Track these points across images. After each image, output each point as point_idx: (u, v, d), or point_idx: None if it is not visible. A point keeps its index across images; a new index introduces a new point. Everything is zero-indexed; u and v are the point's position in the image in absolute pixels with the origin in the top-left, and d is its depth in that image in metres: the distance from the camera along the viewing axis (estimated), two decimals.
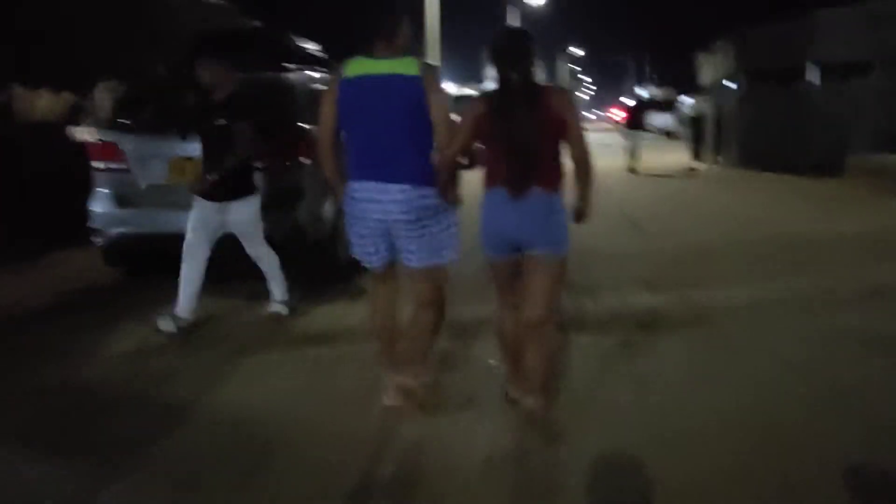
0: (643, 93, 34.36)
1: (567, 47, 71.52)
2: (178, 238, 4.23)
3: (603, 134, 29.21)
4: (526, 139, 2.54)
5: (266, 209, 4.41)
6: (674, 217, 9.05)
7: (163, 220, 4.91)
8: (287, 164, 4.96)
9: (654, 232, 7.93)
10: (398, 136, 2.71)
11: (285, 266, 4.55)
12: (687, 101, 38.09)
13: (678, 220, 8.70)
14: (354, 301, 4.79)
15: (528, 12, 32.75)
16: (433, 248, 2.82)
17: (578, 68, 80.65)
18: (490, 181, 2.67)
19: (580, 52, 71.39)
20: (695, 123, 18.51)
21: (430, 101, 2.67)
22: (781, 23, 14.49)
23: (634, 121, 15.82)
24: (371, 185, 2.73)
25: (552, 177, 2.64)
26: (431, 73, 2.73)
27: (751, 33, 15.30)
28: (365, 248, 2.89)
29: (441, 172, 2.73)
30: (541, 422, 2.81)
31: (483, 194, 2.72)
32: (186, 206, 4.27)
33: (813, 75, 13.89)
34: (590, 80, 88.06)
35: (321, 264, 5.23)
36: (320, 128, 2.89)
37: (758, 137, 14.65)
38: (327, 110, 2.82)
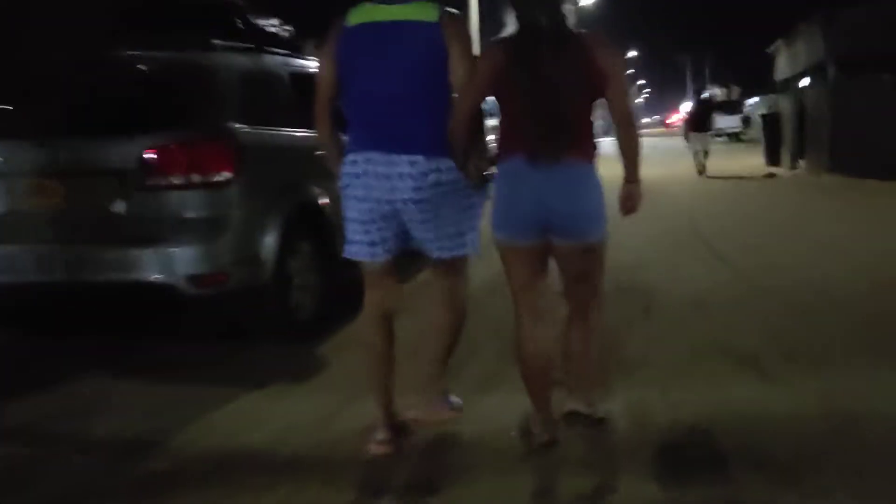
0: (706, 94, 31.74)
1: (625, 50, 69.35)
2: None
3: (661, 139, 27.02)
4: (556, 93, 2.15)
5: (161, 244, 3.31)
6: (764, 239, 6.94)
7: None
8: (200, 179, 3.38)
9: (742, 261, 5.84)
10: (409, 97, 2.32)
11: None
12: (750, 101, 35.62)
13: (772, 245, 6.58)
14: (330, 391, 3.10)
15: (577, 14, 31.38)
16: (452, 235, 2.42)
17: (631, 70, 78.13)
18: (508, 148, 2.26)
19: (633, 53, 68.94)
20: (770, 123, 16.25)
21: (451, 54, 2.28)
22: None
23: (700, 123, 14.09)
24: (375, 155, 2.31)
25: (586, 143, 2.25)
26: (454, 20, 2.34)
27: (843, 13, 12.89)
28: (364, 238, 2.41)
29: (454, 137, 2.30)
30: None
31: (499, 164, 2.28)
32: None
33: None
34: (644, 82, 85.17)
35: (260, 325, 3.72)
36: (317, 86, 2.50)
37: (853, 138, 12.27)
38: (325, 66, 2.46)
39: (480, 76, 2.24)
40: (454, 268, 2.50)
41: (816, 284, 4.80)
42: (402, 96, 2.32)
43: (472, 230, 2.47)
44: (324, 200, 3.93)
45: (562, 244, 2.25)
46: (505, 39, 2.25)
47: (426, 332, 2.59)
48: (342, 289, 3.58)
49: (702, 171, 14.26)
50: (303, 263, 3.82)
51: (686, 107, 43.64)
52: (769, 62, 19.94)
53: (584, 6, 33.91)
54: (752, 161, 15.68)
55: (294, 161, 3.89)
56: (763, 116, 16.46)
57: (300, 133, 3.84)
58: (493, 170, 2.33)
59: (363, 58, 2.33)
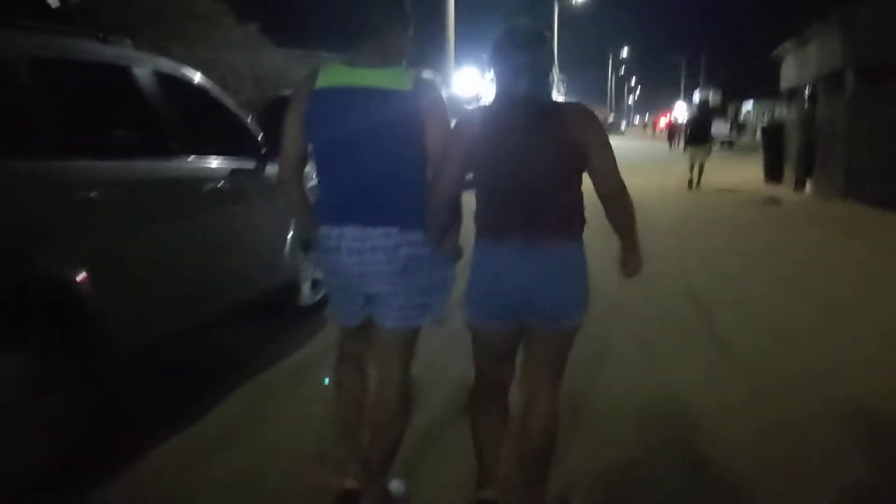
0: (701, 98, 29.93)
1: (617, 50, 67.47)
2: None
3: (648, 142, 25.20)
4: (534, 169, 2.02)
5: None
6: (781, 302, 4.97)
7: None
8: None
9: (754, 351, 3.90)
10: (382, 167, 2.20)
11: None
12: (746, 106, 33.97)
13: (797, 316, 4.61)
14: None
15: (567, 8, 30.08)
16: (416, 306, 2.29)
17: (629, 72, 76.29)
18: (485, 226, 2.12)
19: (631, 55, 67.18)
20: (772, 136, 14.36)
21: (426, 125, 2.15)
22: None
23: (698, 132, 12.44)
24: (348, 229, 2.20)
25: (569, 221, 2.10)
26: (429, 89, 2.18)
27: (866, 11, 10.92)
28: (341, 303, 2.37)
29: (434, 212, 2.16)
30: None
31: (475, 243, 2.14)
32: None
33: None
34: (640, 84, 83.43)
35: None
36: (283, 152, 2.32)
37: (873, 159, 10.37)
38: (292, 131, 2.27)
39: (457, 149, 2.09)
40: (404, 339, 2.32)
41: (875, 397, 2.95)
42: (374, 167, 2.19)
43: (439, 303, 2.33)
44: (78, 276, 2.55)
45: (538, 327, 2.13)
46: (482, 110, 2.15)
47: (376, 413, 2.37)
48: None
49: (693, 184, 12.64)
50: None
51: (679, 110, 41.82)
52: (769, 65, 18.03)
53: (578, 3, 32.29)
54: (747, 174, 13.86)
55: (22, 207, 2.47)
56: (764, 129, 14.54)
57: (53, 163, 2.60)
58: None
59: (333, 125, 2.19)
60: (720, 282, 5.66)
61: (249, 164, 3.94)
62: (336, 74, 2.20)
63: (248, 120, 4.20)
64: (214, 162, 3.64)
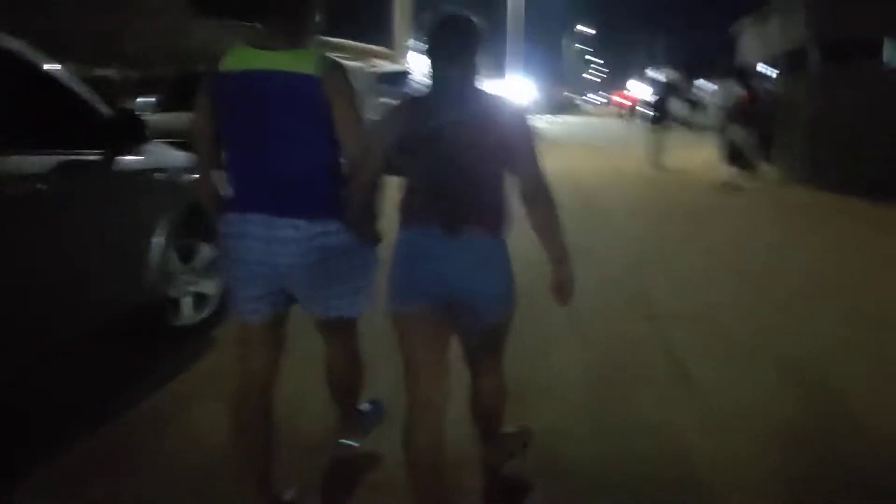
0: (659, 76, 29.43)
1: (575, 25, 66.70)
2: None
3: (606, 120, 24.76)
4: (461, 160, 1.98)
5: None
6: (743, 314, 4.27)
7: None
8: None
9: (711, 378, 3.19)
10: (288, 156, 2.12)
11: None
12: (708, 86, 33.70)
13: (764, 332, 3.91)
14: None
15: None
16: (343, 294, 2.23)
17: (589, 48, 75.66)
18: (409, 215, 2.06)
19: (590, 31, 66.57)
20: (730, 117, 13.76)
21: (334, 111, 2.08)
22: None
23: (660, 111, 12.61)
24: (254, 217, 2.12)
25: (493, 216, 2.05)
26: (336, 73, 2.11)
27: None
28: (242, 295, 2.19)
29: (352, 202, 2.10)
30: None
31: (398, 231, 2.06)
32: None
33: None
34: (601, 61, 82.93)
35: None
36: (194, 137, 2.25)
37: (836, 144, 9.82)
38: (201, 116, 2.20)
39: (383, 138, 2.06)
40: (345, 328, 2.34)
41: None
42: (280, 155, 2.12)
43: (367, 286, 2.29)
44: None
45: (463, 321, 2.09)
46: (411, 100, 2.16)
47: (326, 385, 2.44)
48: None
49: (656, 165, 12.17)
50: None
51: (636, 86, 41.31)
52: (729, 42, 17.48)
53: None
54: (705, 154, 13.21)
55: None
56: (724, 109, 13.94)
57: None
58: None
59: (239, 110, 2.12)
60: (679, 288, 4.94)
61: (94, 157, 3.17)
62: (241, 58, 2.12)
63: (100, 102, 3.33)
64: (35, 157, 2.85)
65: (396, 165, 2.06)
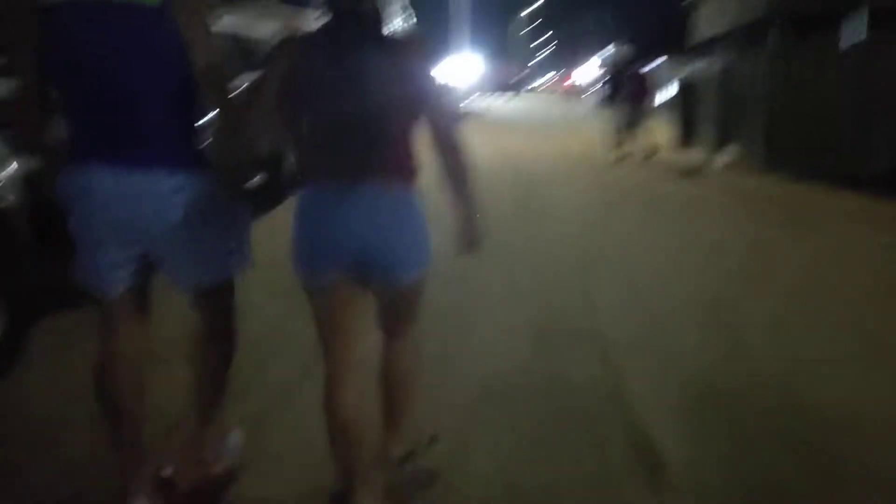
0: (610, 54, 28.62)
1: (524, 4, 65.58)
2: None
3: (556, 101, 24.03)
4: (365, 105, 1.83)
5: None
6: (712, 353, 3.26)
7: None
8: None
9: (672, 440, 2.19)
10: (136, 98, 1.89)
11: None
12: (658, 64, 33.10)
13: (736, 377, 2.91)
14: None
15: None
16: (211, 258, 2.03)
17: (539, 21, 74.70)
18: (308, 169, 1.93)
19: (535, 6, 65.48)
20: (683, 96, 12.94)
21: (186, 44, 1.85)
22: None
23: (618, 91, 11.40)
24: (100, 172, 1.90)
25: (403, 166, 1.93)
26: (185, 2, 1.88)
27: None
28: (96, 263, 1.97)
29: (223, 150, 1.96)
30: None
31: (299, 189, 1.93)
32: None
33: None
34: (551, 33, 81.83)
35: None
36: (19, 81, 1.99)
37: (798, 127, 9.02)
38: (27, 54, 1.94)
39: (271, 82, 1.88)
40: (220, 294, 2.11)
41: None
42: (126, 98, 1.88)
43: (240, 246, 2.10)
44: None
45: (376, 282, 1.97)
46: (304, 37, 1.92)
47: (195, 375, 2.20)
48: None
49: (618, 146, 11.21)
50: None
51: (589, 68, 40.39)
52: (683, 19, 16.65)
53: None
54: (657, 136, 12.37)
55: None
56: (679, 87, 13.10)
57: None
58: (258, 179, 2.28)
59: (78, 48, 1.86)
60: (633, 309, 3.93)
61: None
62: None
63: None
64: None
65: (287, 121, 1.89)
